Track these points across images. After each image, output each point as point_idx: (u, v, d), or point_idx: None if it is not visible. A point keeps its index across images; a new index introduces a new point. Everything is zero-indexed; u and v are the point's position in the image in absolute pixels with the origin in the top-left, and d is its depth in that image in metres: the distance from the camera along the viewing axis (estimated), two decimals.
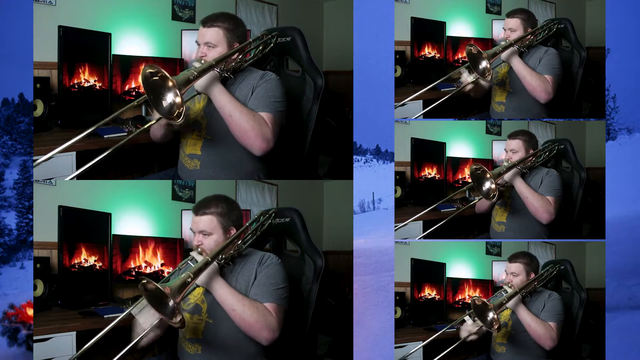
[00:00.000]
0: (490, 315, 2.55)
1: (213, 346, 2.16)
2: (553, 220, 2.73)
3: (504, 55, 2.75)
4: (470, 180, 2.74)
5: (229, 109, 2.17)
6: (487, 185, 2.67)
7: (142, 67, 2.41)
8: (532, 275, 2.68)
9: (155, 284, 1.94)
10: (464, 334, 2.63)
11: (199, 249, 2.15)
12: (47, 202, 2.30)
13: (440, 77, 2.80)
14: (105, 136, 2.28)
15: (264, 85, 2.24)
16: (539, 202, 2.72)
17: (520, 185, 2.75)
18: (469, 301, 2.66)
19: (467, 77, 2.72)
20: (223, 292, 2.11)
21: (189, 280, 2.02)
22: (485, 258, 2.77)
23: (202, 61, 2.17)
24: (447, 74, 2.81)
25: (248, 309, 2.09)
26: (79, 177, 2.25)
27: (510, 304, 2.64)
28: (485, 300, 2.57)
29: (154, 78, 2.01)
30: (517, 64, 2.76)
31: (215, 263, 2.12)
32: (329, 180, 2.50)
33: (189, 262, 2.13)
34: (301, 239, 2.36)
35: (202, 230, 2.17)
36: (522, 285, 2.65)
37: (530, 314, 2.65)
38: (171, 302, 1.96)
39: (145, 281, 1.95)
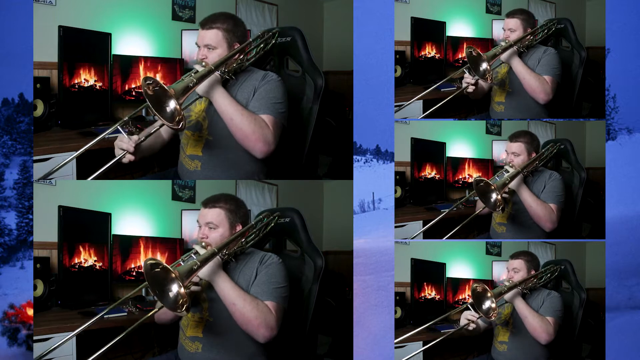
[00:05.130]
0: (488, 303, 2.55)
1: (213, 345, 2.16)
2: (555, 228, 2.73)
3: (503, 56, 2.75)
4: (470, 181, 2.74)
5: (230, 113, 2.17)
6: (494, 197, 2.65)
7: (142, 67, 2.42)
8: (533, 272, 2.68)
9: (164, 263, 1.92)
10: (463, 321, 2.62)
11: (203, 243, 2.14)
12: (47, 202, 2.30)
13: (441, 77, 2.80)
14: (106, 137, 2.28)
15: (266, 86, 2.24)
16: (542, 211, 2.72)
17: (524, 195, 2.73)
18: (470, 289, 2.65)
19: (469, 79, 2.73)
20: (225, 287, 2.11)
21: (196, 267, 2.02)
22: (485, 258, 2.77)
23: (203, 63, 2.17)
24: (447, 74, 2.81)
25: (248, 305, 2.09)
26: (78, 177, 2.26)
27: (508, 295, 2.64)
28: (486, 287, 2.56)
29: (155, 88, 2.00)
30: (517, 65, 2.76)
31: (219, 257, 2.12)
32: (329, 180, 2.50)
33: (192, 255, 2.12)
34: (301, 239, 2.36)
35: (209, 223, 2.17)
36: (522, 279, 2.65)
37: (528, 307, 2.65)
38: (176, 287, 1.94)
39: (153, 262, 1.92)
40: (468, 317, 2.60)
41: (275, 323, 2.13)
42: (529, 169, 2.75)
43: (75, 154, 2.17)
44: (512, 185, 2.72)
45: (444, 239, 2.75)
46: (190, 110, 2.25)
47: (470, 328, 2.60)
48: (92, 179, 2.19)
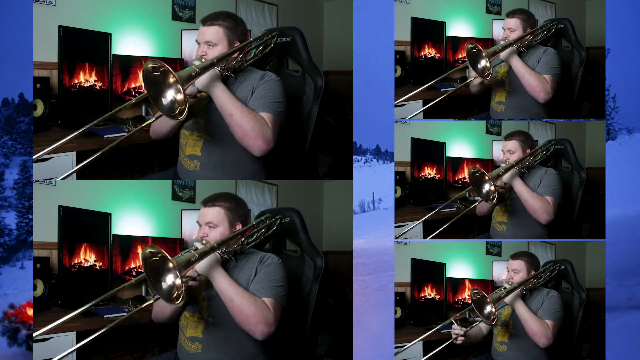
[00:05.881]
0: (488, 308, 2.55)
1: (213, 345, 2.16)
2: (552, 221, 2.73)
3: (503, 55, 2.75)
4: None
5: (230, 109, 2.17)
6: (487, 187, 2.67)
7: (143, 65, 2.42)
8: (533, 273, 2.69)
9: (163, 252, 1.93)
10: (453, 335, 2.64)
11: (204, 241, 2.15)
12: (47, 202, 2.30)
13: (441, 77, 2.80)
14: (105, 136, 2.28)
15: (264, 85, 2.24)
16: (537, 203, 2.73)
17: (519, 187, 2.75)
18: (470, 295, 2.65)
19: (458, 330, 2.68)
20: (223, 282, 2.11)
21: (194, 259, 2.02)
22: (485, 258, 2.77)
23: (203, 60, 2.17)
24: (446, 74, 2.81)
25: (246, 301, 2.10)
26: (79, 177, 2.26)
27: (508, 299, 2.64)
28: (483, 293, 2.57)
29: (156, 73, 2.00)
30: (516, 64, 2.76)
31: (218, 254, 2.12)
32: (329, 180, 2.50)
33: (191, 250, 2.12)
34: (301, 239, 2.36)
35: (209, 222, 2.17)
36: (521, 281, 2.66)
37: (528, 310, 2.65)
38: (173, 277, 1.94)
39: (153, 250, 1.93)
40: (455, 332, 2.62)
41: (273, 319, 2.13)
42: (524, 163, 2.76)
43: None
44: (506, 178, 2.73)
45: (428, 238, 2.75)
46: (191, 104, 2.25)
47: (459, 342, 2.62)
48: (90, 179, 2.19)
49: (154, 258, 1.92)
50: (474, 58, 2.68)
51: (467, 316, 2.67)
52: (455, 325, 2.63)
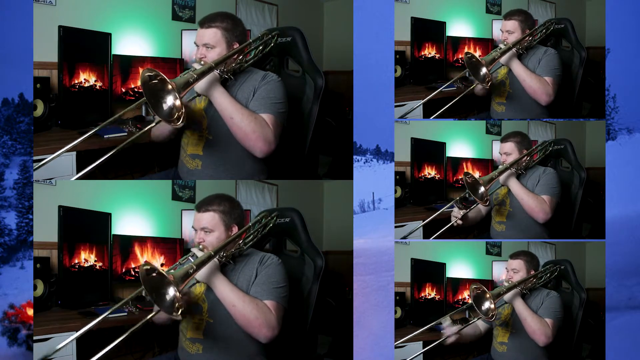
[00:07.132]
0: (487, 304, 2.55)
1: (214, 346, 2.16)
2: (550, 219, 2.74)
3: (503, 59, 2.75)
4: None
5: (230, 111, 2.17)
6: (481, 190, 2.68)
7: (142, 67, 2.42)
8: (532, 272, 2.69)
9: (159, 269, 1.94)
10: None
11: (200, 246, 2.15)
12: (47, 202, 2.29)
13: (441, 77, 2.81)
14: (105, 136, 2.28)
15: (265, 86, 2.24)
16: (534, 202, 2.73)
17: (515, 186, 2.76)
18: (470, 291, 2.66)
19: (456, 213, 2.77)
20: (224, 289, 2.11)
21: (192, 271, 2.02)
22: (485, 258, 2.77)
23: (202, 62, 2.17)
24: (447, 74, 2.82)
25: (248, 306, 2.10)
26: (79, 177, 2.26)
27: (507, 296, 2.64)
28: (484, 288, 2.57)
29: (153, 81, 2.00)
30: (517, 68, 2.76)
31: (216, 260, 2.12)
32: (329, 180, 2.50)
33: (189, 257, 2.13)
34: (301, 239, 2.36)
35: (204, 227, 2.17)
36: (521, 279, 2.66)
37: (527, 308, 2.65)
38: (173, 291, 1.95)
39: (148, 267, 1.94)
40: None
41: (276, 322, 2.13)
42: (520, 164, 2.76)
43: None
44: (502, 179, 2.75)
45: (431, 239, 2.75)
46: (190, 109, 2.25)
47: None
48: (90, 179, 2.19)
49: (152, 275, 1.94)
50: (473, 67, 2.68)
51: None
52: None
